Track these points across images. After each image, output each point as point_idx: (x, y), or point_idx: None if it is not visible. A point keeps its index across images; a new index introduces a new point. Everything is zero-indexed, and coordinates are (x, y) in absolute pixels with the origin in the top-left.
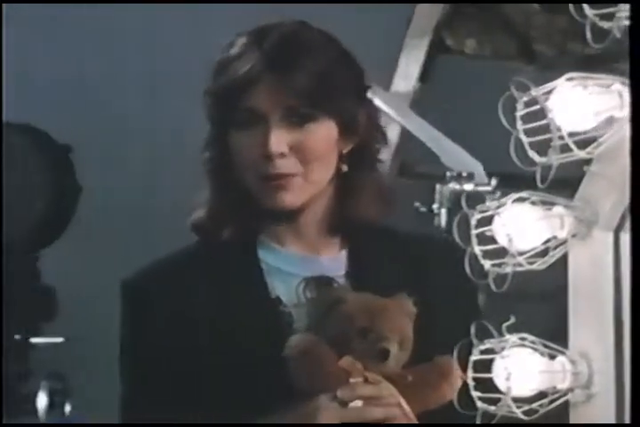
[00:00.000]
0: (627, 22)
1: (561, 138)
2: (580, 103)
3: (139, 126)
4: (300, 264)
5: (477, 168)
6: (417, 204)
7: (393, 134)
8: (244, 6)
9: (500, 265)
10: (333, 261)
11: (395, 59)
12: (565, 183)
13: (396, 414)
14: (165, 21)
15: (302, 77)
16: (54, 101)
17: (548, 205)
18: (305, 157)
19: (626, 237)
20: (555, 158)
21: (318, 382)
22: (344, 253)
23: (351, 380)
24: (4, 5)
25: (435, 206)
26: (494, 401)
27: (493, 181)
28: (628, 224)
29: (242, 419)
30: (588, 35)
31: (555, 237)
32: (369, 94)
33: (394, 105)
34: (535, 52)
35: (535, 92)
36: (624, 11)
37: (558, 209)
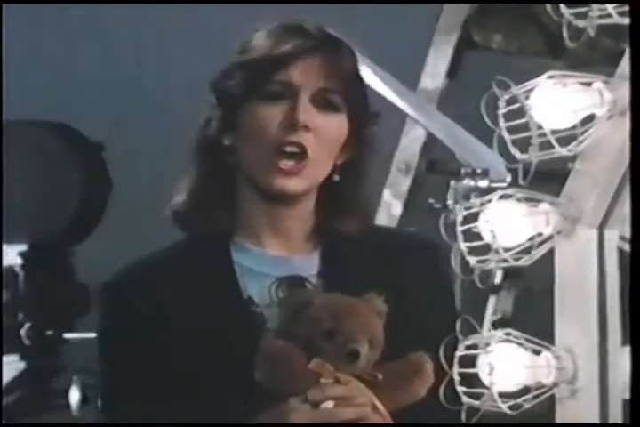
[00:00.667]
0: (600, 21)
1: (541, 135)
2: (559, 101)
3: (173, 125)
4: (273, 264)
5: (499, 165)
6: (431, 200)
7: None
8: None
9: (484, 261)
10: (306, 260)
11: (422, 56)
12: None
13: (367, 414)
14: None
15: (343, 65)
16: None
17: (533, 202)
18: (320, 142)
19: (610, 234)
20: (534, 156)
21: (289, 385)
22: (317, 253)
23: (322, 380)
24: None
25: (449, 203)
26: (480, 396)
27: (508, 178)
28: (612, 221)
29: (214, 419)
30: (565, 33)
31: (540, 234)
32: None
33: (415, 104)
34: (564, 47)
35: (515, 90)
36: (597, 10)
37: (543, 206)
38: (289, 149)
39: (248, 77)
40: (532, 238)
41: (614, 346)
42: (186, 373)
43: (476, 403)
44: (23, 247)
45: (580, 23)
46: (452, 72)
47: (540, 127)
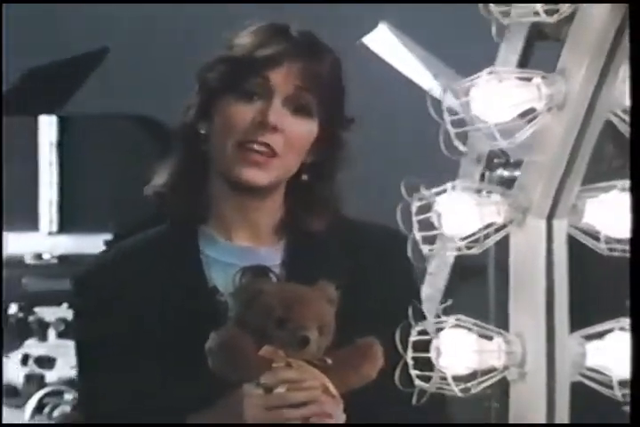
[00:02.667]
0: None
1: (477, 129)
2: (498, 96)
3: None
4: (238, 255)
5: None
6: None
7: None
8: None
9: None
10: (271, 251)
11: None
12: None
13: (319, 396)
14: None
15: (321, 70)
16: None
17: (487, 193)
18: (288, 143)
19: (559, 224)
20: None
21: (241, 372)
22: (282, 244)
23: (274, 365)
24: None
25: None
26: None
27: None
28: (560, 211)
29: (175, 404)
30: (493, 30)
31: (493, 224)
32: None
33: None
34: None
35: (456, 85)
36: (519, 8)
37: (495, 197)
38: (257, 147)
39: (228, 73)
40: (487, 227)
41: (562, 331)
42: (152, 357)
43: (426, 386)
44: (108, 236)
45: (505, 21)
46: (522, 64)
47: (480, 121)
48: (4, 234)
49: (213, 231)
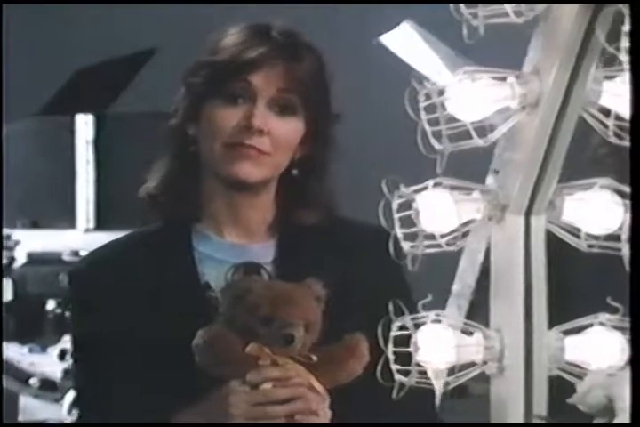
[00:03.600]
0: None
1: (451, 128)
2: (473, 95)
3: None
4: (231, 252)
5: None
6: None
7: None
8: None
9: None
10: (263, 248)
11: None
12: None
13: (304, 393)
14: None
15: (301, 70)
16: None
17: (466, 190)
18: (274, 144)
19: (537, 220)
20: (449, 146)
21: (227, 369)
22: (274, 241)
23: (259, 362)
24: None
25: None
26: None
27: None
28: (538, 208)
29: (166, 398)
30: (465, 31)
31: (473, 220)
32: None
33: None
34: None
35: (430, 85)
36: (486, 10)
37: (475, 194)
38: (243, 150)
39: (211, 78)
40: (466, 224)
41: (540, 326)
42: (144, 352)
43: (405, 380)
44: None
45: (474, 22)
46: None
47: (455, 119)
48: (42, 231)
49: (206, 228)
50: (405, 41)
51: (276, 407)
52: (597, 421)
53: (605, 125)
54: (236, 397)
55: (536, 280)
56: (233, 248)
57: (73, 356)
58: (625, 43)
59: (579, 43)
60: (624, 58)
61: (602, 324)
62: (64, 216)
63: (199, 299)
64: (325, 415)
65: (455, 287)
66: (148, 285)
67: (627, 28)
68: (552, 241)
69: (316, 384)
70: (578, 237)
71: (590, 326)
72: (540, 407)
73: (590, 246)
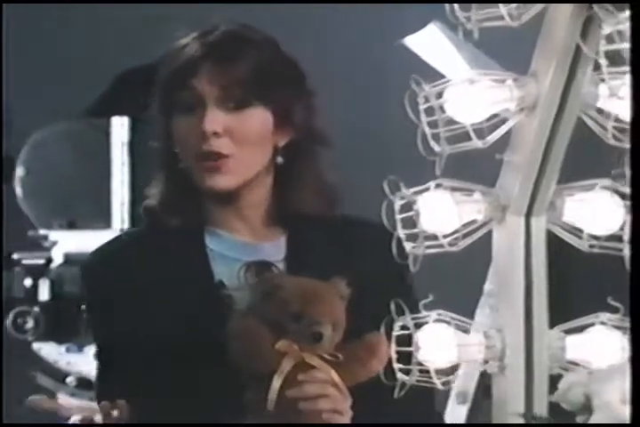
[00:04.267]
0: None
1: (450, 130)
2: (469, 97)
3: None
4: (242, 250)
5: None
6: None
7: None
8: None
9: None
10: (274, 246)
11: None
12: None
13: (330, 392)
14: None
15: (239, 66)
16: None
17: (468, 191)
18: (238, 140)
19: (537, 221)
20: (447, 148)
21: (256, 363)
22: (284, 239)
23: (285, 362)
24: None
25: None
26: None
27: None
28: (538, 209)
29: (185, 397)
30: (460, 35)
31: (475, 221)
32: None
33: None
34: None
35: (428, 88)
36: (481, 13)
37: (476, 195)
38: (206, 157)
39: (164, 92)
40: (468, 225)
41: (540, 326)
42: (160, 350)
43: (406, 378)
44: None
45: (469, 25)
46: None
47: (454, 122)
48: (79, 231)
49: (216, 227)
50: (431, 43)
51: (301, 404)
52: (578, 418)
53: (604, 128)
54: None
55: (537, 280)
56: (244, 246)
57: (95, 352)
58: (603, 46)
59: (574, 45)
60: (603, 61)
61: (603, 323)
62: (100, 217)
63: (213, 297)
64: (347, 416)
65: (487, 287)
66: (162, 281)
67: (605, 31)
68: (552, 241)
69: (340, 384)
70: (579, 237)
71: (591, 325)
72: (541, 406)
73: (591, 247)
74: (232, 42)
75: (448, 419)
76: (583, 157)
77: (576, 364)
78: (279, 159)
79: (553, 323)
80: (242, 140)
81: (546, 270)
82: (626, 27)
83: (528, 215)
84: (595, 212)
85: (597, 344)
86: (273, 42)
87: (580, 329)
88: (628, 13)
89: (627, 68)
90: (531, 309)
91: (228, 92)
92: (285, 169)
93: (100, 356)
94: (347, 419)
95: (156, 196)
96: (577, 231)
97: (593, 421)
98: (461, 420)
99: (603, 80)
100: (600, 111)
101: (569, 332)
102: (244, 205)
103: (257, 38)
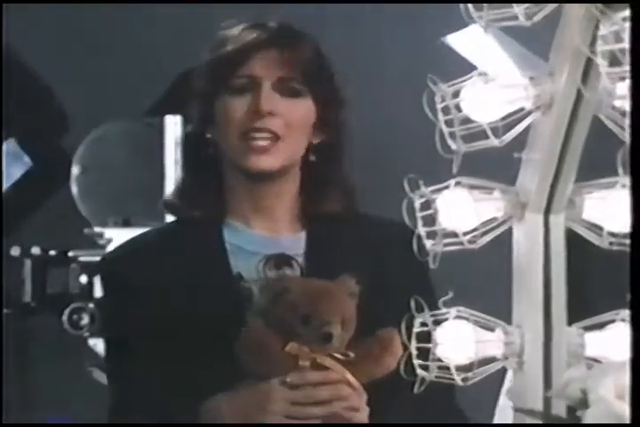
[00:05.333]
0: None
1: (466, 129)
2: (485, 96)
3: None
4: (262, 244)
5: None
6: None
7: None
8: None
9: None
10: (293, 240)
11: None
12: None
13: (344, 392)
14: None
15: (300, 54)
16: None
17: (488, 189)
18: (289, 124)
19: (556, 219)
20: (463, 147)
21: (268, 368)
22: (304, 234)
23: (300, 362)
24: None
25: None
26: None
27: None
28: (557, 206)
29: (202, 391)
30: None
31: (495, 219)
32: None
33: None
34: None
35: (445, 87)
36: (494, 13)
37: (496, 193)
38: (258, 134)
39: (214, 75)
40: (488, 223)
41: (559, 322)
42: (179, 342)
43: (425, 374)
44: None
45: (481, 24)
46: None
47: (470, 120)
48: (133, 229)
49: (235, 221)
50: (475, 41)
51: (314, 409)
52: (578, 413)
53: (621, 126)
54: (277, 394)
55: (555, 277)
56: (263, 240)
57: (106, 348)
58: (600, 47)
59: (588, 43)
60: (600, 61)
61: (623, 320)
62: (154, 214)
63: (233, 290)
64: (365, 412)
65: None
66: (181, 275)
67: (602, 32)
68: (572, 239)
69: (354, 382)
70: (599, 235)
71: (611, 322)
72: (560, 403)
73: (611, 244)
74: (292, 31)
75: (498, 415)
76: (603, 155)
77: (596, 361)
78: (312, 157)
79: (572, 320)
80: (292, 125)
81: (565, 267)
82: (622, 27)
83: (547, 213)
84: (614, 209)
85: (617, 341)
86: (316, 41)
87: (600, 326)
88: (623, 14)
89: (627, 69)
90: (549, 305)
91: (285, 79)
92: (315, 167)
93: (112, 349)
94: (364, 415)
95: (180, 185)
96: (596, 229)
97: (588, 415)
98: (510, 416)
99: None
100: (617, 109)
101: (588, 329)
102: (265, 195)
103: (308, 34)
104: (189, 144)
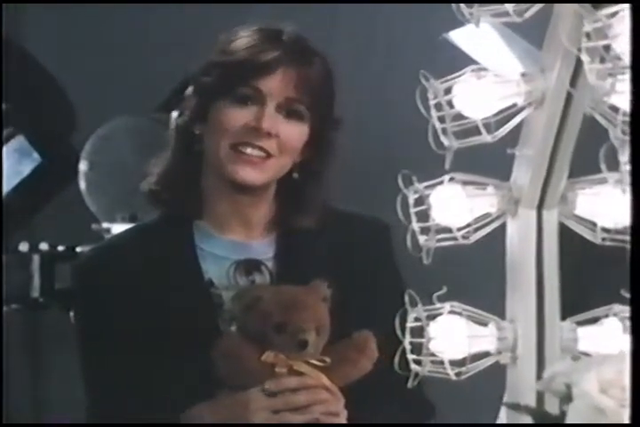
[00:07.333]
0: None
1: (460, 125)
2: (477, 92)
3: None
4: (232, 249)
5: None
6: None
7: None
8: None
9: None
10: (263, 245)
11: None
12: None
13: (322, 396)
14: None
15: (314, 76)
16: None
17: (481, 185)
18: (282, 146)
19: (549, 214)
20: (456, 143)
21: (245, 379)
22: (273, 238)
23: (276, 369)
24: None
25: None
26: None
27: None
28: (550, 202)
29: (173, 397)
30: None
31: (488, 214)
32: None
33: None
34: None
35: (437, 83)
36: (485, 10)
37: (489, 189)
38: (250, 150)
39: (223, 78)
40: (481, 218)
41: (552, 317)
42: (149, 347)
43: (419, 369)
44: None
45: (472, 20)
46: None
47: (463, 116)
48: None
49: (207, 225)
50: (477, 37)
51: (296, 415)
52: (564, 407)
53: (612, 122)
54: (256, 403)
55: (548, 272)
56: (233, 245)
57: (79, 351)
58: (585, 43)
59: (579, 40)
60: (584, 58)
61: (616, 315)
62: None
63: (204, 295)
64: (343, 416)
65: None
66: (152, 280)
67: (587, 28)
68: (564, 234)
69: (331, 386)
70: (592, 230)
71: (604, 317)
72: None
73: (604, 239)
74: (305, 48)
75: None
76: (596, 151)
77: (588, 355)
78: (295, 174)
79: (565, 315)
80: (285, 146)
81: (558, 263)
82: (606, 24)
83: (540, 208)
84: (607, 205)
85: (610, 335)
86: (325, 56)
87: (593, 321)
88: (607, 11)
89: (610, 66)
90: (543, 300)
91: (292, 103)
92: (296, 184)
93: (86, 353)
94: (342, 419)
95: (158, 173)
96: (589, 224)
97: (571, 408)
98: None
99: (611, 75)
100: (609, 105)
101: (581, 323)
102: (242, 203)
103: (318, 49)
104: (178, 136)
